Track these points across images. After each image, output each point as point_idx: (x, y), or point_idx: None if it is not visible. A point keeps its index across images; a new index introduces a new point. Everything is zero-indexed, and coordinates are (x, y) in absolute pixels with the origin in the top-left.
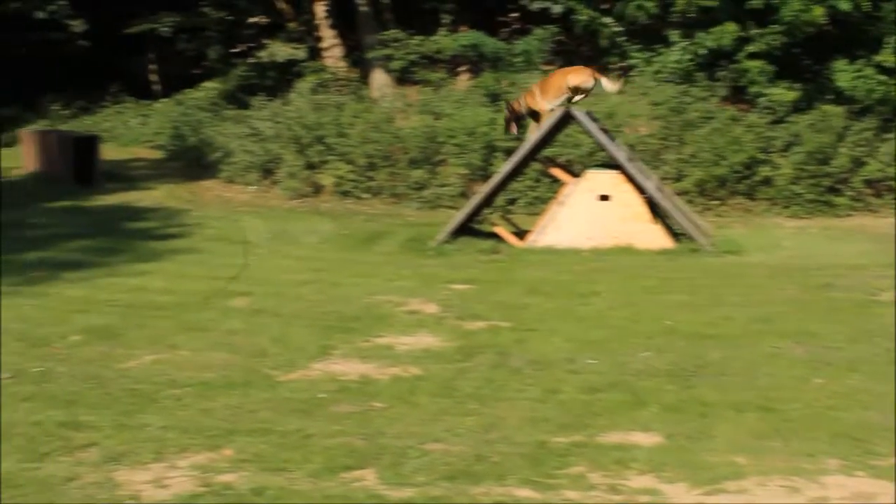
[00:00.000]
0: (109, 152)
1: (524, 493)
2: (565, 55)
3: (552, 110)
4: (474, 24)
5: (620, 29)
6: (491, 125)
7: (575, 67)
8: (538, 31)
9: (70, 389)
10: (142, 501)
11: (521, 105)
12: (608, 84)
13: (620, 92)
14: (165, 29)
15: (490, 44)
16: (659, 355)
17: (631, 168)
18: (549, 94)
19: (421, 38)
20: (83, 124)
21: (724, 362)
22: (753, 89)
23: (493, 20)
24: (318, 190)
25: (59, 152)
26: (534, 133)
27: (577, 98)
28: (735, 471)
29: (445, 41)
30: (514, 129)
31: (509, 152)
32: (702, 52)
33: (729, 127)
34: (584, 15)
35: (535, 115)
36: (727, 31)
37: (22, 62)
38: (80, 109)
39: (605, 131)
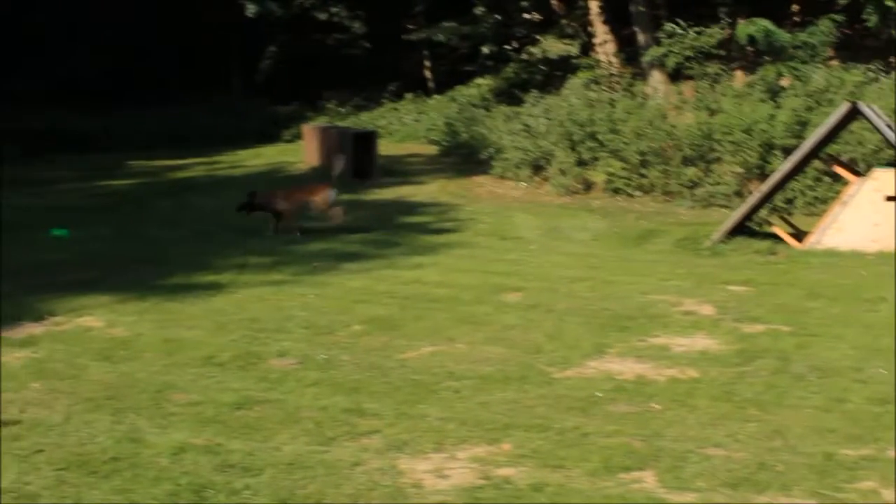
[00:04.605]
0: (385, 147)
1: None
2: (848, 49)
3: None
4: (751, 16)
5: None
6: (769, 121)
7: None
8: (824, 22)
9: (353, 377)
10: (424, 490)
11: (265, 201)
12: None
13: None
14: (441, 37)
15: (779, 34)
16: None
17: None
18: (290, 199)
19: (697, 30)
20: (360, 121)
21: None
22: None
23: (773, 11)
24: (588, 187)
25: (338, 147)
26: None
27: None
28: None
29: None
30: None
31: (787, 150)
32: None
33: None
34: (890, 2)
35: (277, 215)
36: None
37: (304, 61)
38: (356, 107)
39: (891, 128)
